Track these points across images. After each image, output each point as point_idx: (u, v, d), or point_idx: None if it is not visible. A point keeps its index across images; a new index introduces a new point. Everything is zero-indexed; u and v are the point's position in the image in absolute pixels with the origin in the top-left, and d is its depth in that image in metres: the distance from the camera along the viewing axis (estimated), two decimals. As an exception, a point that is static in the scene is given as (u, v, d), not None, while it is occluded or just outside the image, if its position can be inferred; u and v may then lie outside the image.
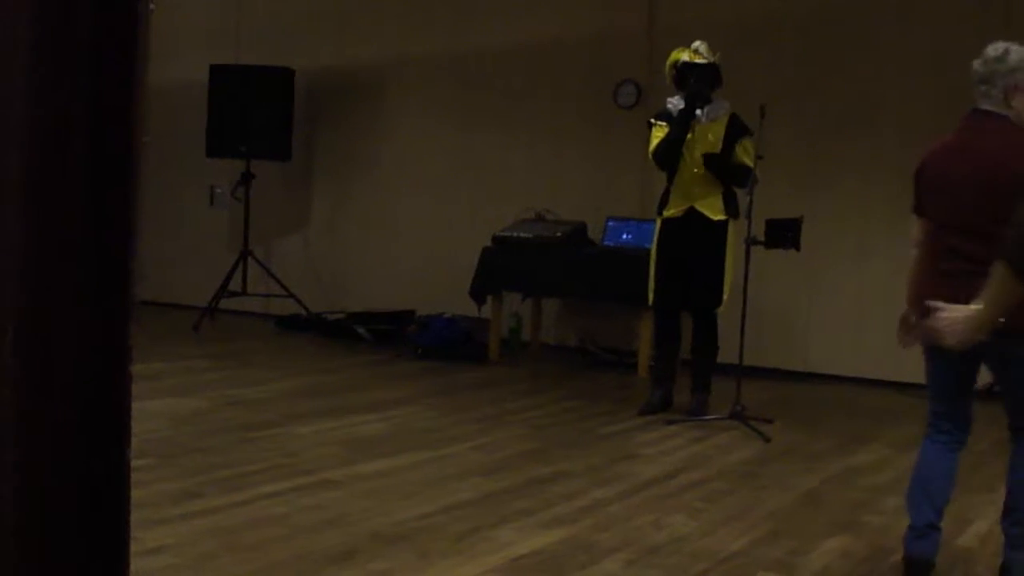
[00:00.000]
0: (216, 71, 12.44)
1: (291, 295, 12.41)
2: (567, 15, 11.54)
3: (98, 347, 1.67)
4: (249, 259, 12.42)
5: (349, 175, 12.91)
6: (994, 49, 4.86)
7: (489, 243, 10.88)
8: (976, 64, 4.88)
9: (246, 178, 12.44)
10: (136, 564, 1.89)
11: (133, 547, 1.81)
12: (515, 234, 10.81)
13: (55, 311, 1.62)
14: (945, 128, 5.15)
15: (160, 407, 7.84)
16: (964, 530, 5.91)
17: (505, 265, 10.75)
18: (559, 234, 10.63)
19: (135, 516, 1.86)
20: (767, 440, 7.69)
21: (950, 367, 4.95)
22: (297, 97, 12.59)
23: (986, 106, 4.85)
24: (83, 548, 1.70)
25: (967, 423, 5.14)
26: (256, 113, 12.27)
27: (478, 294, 10.82)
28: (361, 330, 11.81)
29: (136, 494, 1.91)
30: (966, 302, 3.92)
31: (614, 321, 11.20)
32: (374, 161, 12.75)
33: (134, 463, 1.83)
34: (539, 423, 8.17)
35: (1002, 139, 4.80)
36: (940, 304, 4.02)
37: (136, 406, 1.78)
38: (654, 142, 8.46)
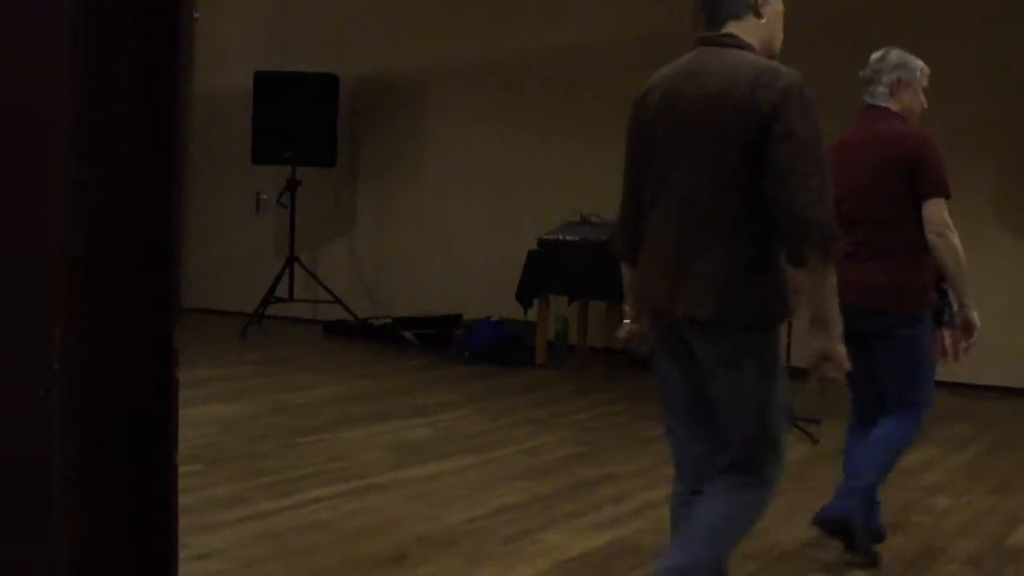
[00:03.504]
0: (261, 78, 12.48)
1: (338, 301, 12.43)
2: (610, 16, 11.52)
3: (145, 351, 1.68)
4: (295, 265, 12.45)
5: (394, 180, 12.93)
6: (876, 54, 5.28)
7: (535, 246, 10.88)
8: (862, 71, 5.29)
9: (292, 184, 12.48)
10: (184, 569, 1.90)
11: (181, 553, 1.81)
12: (561, 237, 10.80)
13: (101, 316, 1.63)
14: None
15: (208, 413, 7.88)
16: (1013, 530, 5.86)
17: (551, 268, 10.75)
18: (605, 236, 10.56)
19: (183, 522, 1.87)
20: (815, 441, 7.66)
21: None
22: (341, 103, 12.62)
23: (876, 102, 5.26)
24: (131, 553, 1.70)
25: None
26: (301, 119, 12.30)
27: (524, 297, 10.82)
28: (408, 335, 11.82)
29: (184, 500, 1.91)
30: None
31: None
32: (419, 165, 12.76)
33: (182, 469, 1.84)
34: (587, 426, 8.16)
35: (890, 127, 5.18)
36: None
37: (184, 412, 1.79)
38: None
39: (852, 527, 5.14)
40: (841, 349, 3.69)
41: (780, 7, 3.96)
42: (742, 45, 3.81)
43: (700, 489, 3.97)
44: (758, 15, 3.86)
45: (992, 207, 9.91)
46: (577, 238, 10.71)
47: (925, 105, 5.32)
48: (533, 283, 10.82)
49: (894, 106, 5.21)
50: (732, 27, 3.84)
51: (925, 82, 5.28)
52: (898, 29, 8.75)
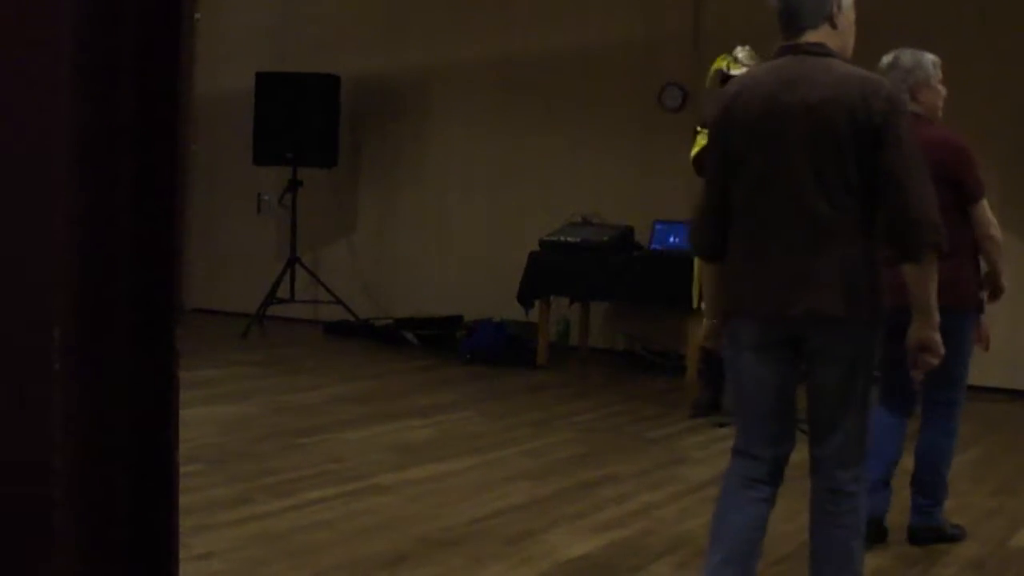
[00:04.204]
0: (262, 78, 12.48)
1: (339, 301, 12.43)
2: (612, 18, 11.53)
3: (145, 351, 1.68)
4: (297, 266, 12.46)
5: (396, 181, 12.93)
6: (886, 60, 5.38)
7: (536, 247, 10.88)
8: None
9: (293, 185, 12.48)
10: (185, 570, 1.90)
11: (182, 553, 1.81)
12: (562, 238, 10.80)
13: (101, 315, 1.63)
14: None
15: (209, 413, 7.88)
16: (1015, 532, 5.86)
17: (552, 269, 10.75)
18: (606, 238, 10.61)
19: (184, 522, 1.87)
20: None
21: None
22: (343, 103, 12.62)
23: None
24: (132, 553, 1.70)
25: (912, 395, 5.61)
26: (302, 120, 12.31)
27: (526, 299, 10.82)
28: (409, 336, 11.83)
29: (185, 500, 1.91)
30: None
31: (662, 324, 11.16)
32: (421, 166, 12.76)
33: (183, 469, 1.84)
34: (588, 427, 8.16)
35: (925, 136, 5.07)
36: None
37: (185, 412, 1.79)
38: (696, 148, 8.43)
39: (945, 531, 5.63)
40: (939, 338, 3.99)
41: (853, 16, 4.07)
42: (831, 53, 3.95)
43: (766, 478, 4.16)
44: (833, 25, 4.00)
45: (995, 209, 9.87)
46: (578, 239, 10.71)
47: (944, 92, 5.41)
48: (534, 284, 10.82)
49: (918, 109, 5.22)
50: (812, 36, 3.97)
51: (940, 73, 5.37)
52: (902, 31, 8.75)
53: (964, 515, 6.10)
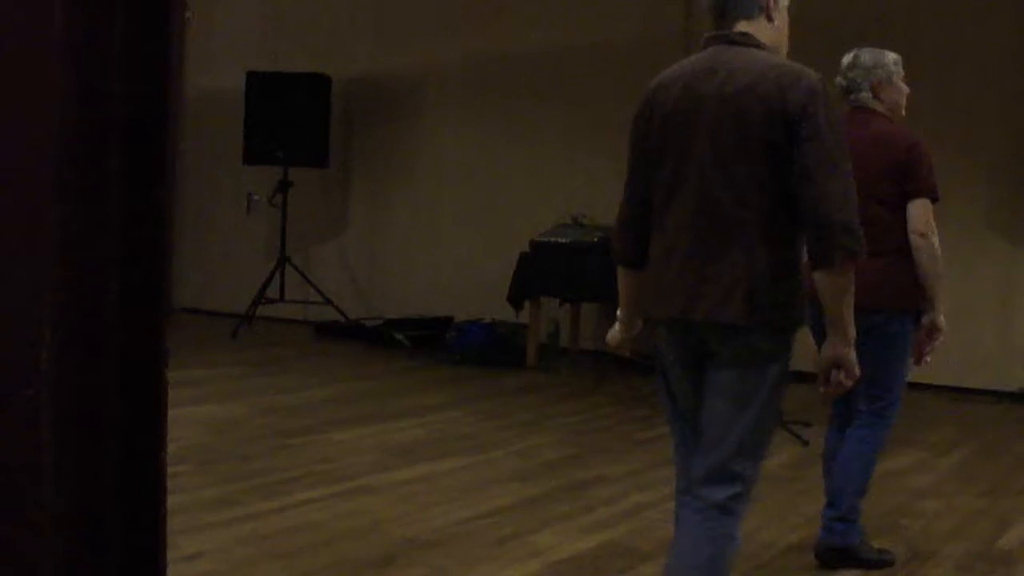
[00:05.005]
0: (253, 78, 12.47)
1: (329, 302, 12.43)
2: (605, 18, 11.54)
3: (134, 352, 1.67)
4: (287, 266, 12.45)
5: (386, 181, 12.94)
6: (846, 58, 5.30)
7: (526, 248, 10.88)
8: (837, 79, 5.25)
9: (283, 185, 12.47)
10: (173, 570, 1.90)
11: (170, 553, 1.81)
12: (552, 239, 10.80)
13: (91, 316, 1.63)
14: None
15: (198, 414, 7.87)
16: (1003, 533, 5.87)
17: (543, 270, 10.76)
18: (596, 239, 10.61)
19: (173, 522, 1.87)
20: (805, 444, 7.66)
21: None
22: (334, 104, 12.62)
23: (861, 104, 5.28)
24: (120, 553, 1.70)
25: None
26: (293, 120, 12.31)
27: (516, 299, 10.83)
28: (399, 336, 11.83)
29: (174, 500, 1.91)
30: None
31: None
32: (411, 167, 12.77)
33: (172, 469, 1.84)
34: (578, 428, 8.16)
35: (880, 130, 5.21)
36: None
37: (174, 412, 1.79)
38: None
39: (858, 553, 5.24)
40: (853, 355, 3.64)
41: (788, 16, 3.91)
42: (758, 44, 3.72)
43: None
44: (769, 18, 3.77)
45: (982, 211, 9.92)
46: (568, 240, 10.71)
47: (907, 91, 5.33)
48: (524, 285, 10.83)
49: (879, 107, 5.24)
50: (743, 27, 3.74)
51: (902, 71, 5.29)
52: (887, 32, 8.76)
53: (951, 517, 6.12)
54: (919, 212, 5.03)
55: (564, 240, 10.74)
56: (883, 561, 5.27)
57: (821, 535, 5.25)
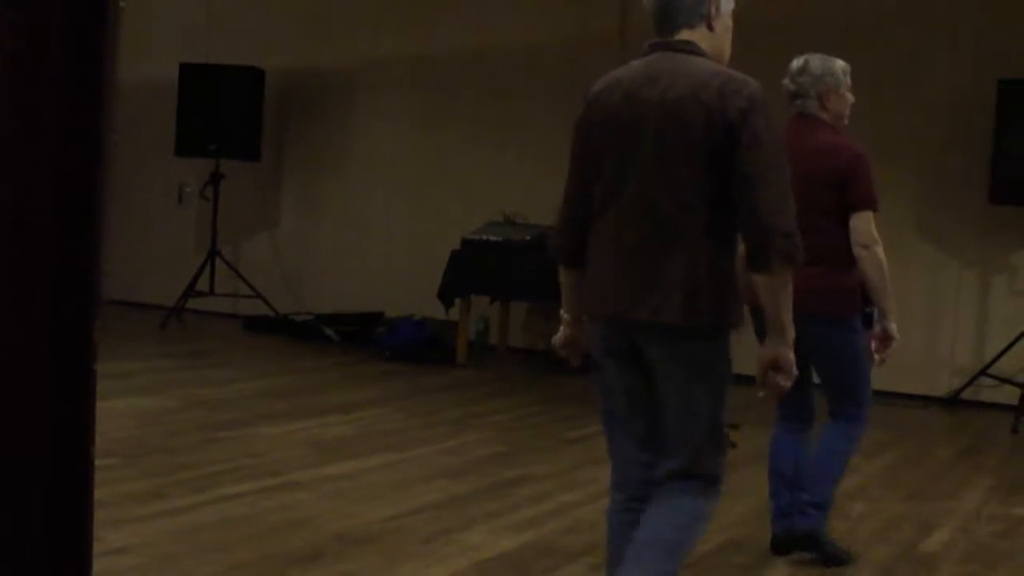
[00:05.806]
0: (186, 70, 12.40)
1: (259, 296, 12.37)
2: (539, 18, 11.55)
3: (63, 344, 1.66)
4: (217, 259, 12.38)
5: (319, 176, 12.89)
6: (795, 64, 5.31)
7: (458, 246, 10.89)
8: (786, 82, 5.30)
9: (215, 178, 12.40)
10: (100, 564, 1.88)
11: (97, 547, 1.80)
12: (484, 237, 10.81)
13: (19, 308, 1.61)
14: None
15: (126, 406, 7.81)
16: (927, 537, 5.93)
17: (473, 268, 10.77)
18: (528, 237, 10.63)
19: (99, 515, 1.85)
20: (733, 446, 7.68)
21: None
22: (267, 97, 12.56)
23: (806, 112, 5.28)
24: (46, 547, 1.69)
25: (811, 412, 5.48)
26: (226, 112, 12.25)
27: (446, 297, 10.83)
28: (329, 331, 11.79)
29: (100, 493, 1.90)
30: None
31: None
32: (344, 162, 12.74)
33: (99, 462, 1.82)
34: (506, 426, 8.17)
35: (824, 140, 5.23)
36: None
37: (102, 405, 1.78)
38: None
39: (822, 540, 5.32)
40: (792, 356, 3.70)
41: (730, 23, 3.93)
42: (701, 52, 3.77)
43: (643, 496, 3.96)
44: (710, 27, 3.82)
45: (911, 216, 10.02)
46: (500, 238, 10.73)
47: (852, 100, 5.35)
48: (455, 282, 10.83)
49: (824, 116, 5.25)
50: (686, 35, 3.79)
51: (849, 80, 5.31)
52: (822, 41, 8.83)
53: (876, 520, 6.18)
54: (861, 225, 5.09)
55: (496, 238, 10.75)
56: (840, 557, 5.36)
57: (797, 520, 5.30)
